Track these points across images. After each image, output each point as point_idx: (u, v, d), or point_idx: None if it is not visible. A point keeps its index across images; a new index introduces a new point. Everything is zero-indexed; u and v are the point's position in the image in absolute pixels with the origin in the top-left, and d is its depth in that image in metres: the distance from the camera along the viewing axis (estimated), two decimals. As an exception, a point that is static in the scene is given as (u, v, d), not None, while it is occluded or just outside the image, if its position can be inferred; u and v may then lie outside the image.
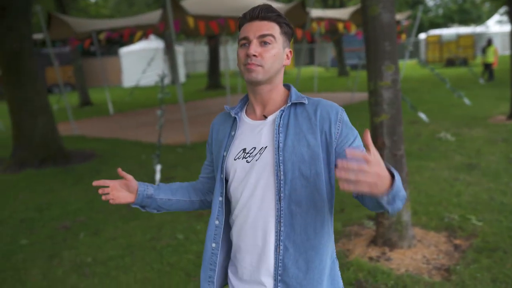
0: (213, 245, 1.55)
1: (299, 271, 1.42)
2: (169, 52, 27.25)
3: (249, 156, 1.46)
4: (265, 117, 1.49)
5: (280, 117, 1.45)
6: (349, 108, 10.37)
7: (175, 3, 8.15)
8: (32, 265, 3.94)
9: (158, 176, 6.10)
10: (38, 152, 7.51)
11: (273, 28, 1.46)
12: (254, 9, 1.48)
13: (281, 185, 1.40)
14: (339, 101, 12.32)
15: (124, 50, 28.98)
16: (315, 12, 12.19)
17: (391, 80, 3.44)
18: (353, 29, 11.96)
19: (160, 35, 27.27)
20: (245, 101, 1.60)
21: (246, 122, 1.53)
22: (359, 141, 1.45)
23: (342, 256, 3.62)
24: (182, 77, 29.18)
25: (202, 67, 39.31)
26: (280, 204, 1.41)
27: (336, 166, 1.41)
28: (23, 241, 4.52)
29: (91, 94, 20.63)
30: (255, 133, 1.48)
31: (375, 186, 1.10)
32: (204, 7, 9.55)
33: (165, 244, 4.22)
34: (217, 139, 1.59)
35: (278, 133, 1.43)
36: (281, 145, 1.41)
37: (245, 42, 1.45)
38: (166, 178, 6.32)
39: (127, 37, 8.72)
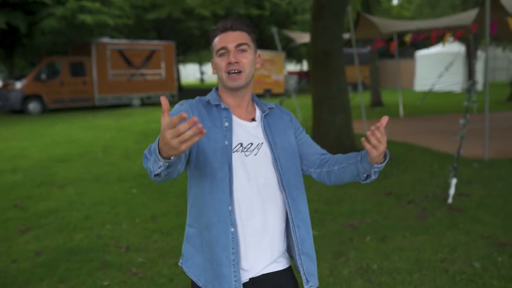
0: (232, 229, 1.60)
1: (310, 241, 1.74)
2: (470, 57, 25.41)
3: (247, 151, 1.64)
4: (253, 120, 1.71)
5: (263, 120, 1.71)
6: None
7: (495, 2, 7.30)
8: (320, 259, 4.02)
9: (452, 190, 5.57)
10: (333, 147, 7.80)
11: (246, 37, 1.65)
12: (226, 21, 1.65)
13: (282, 175, 1.67)
14: None
15: (420, 53, 28.31)
16: None
17: None
18: None
19: (461, 38, 25.61)
20: (216, 95, 1.72)
21: (234, 120, 1.67)
22: (304, 130, 1.85)
23: None
24: (480, 86, 26.79)
25: (501, 76, 35.54)
26: (285, 192, 1.67)
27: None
28: (315, 232, 4.68)
29: (382, 95, 20.76)
30: (246, 131, 1.67)
31: (381, 154, 1.50)
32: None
33: (458, 269, 3.76)
34: (205, 127, 1.60)
35: (267, 134, 1.69)
36: (272, 142, 1.68)
37: (223, 52, 1.63)
38: (459, 194, 5.74)
39: (434, 38, 8.29)
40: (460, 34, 8.13)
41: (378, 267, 3.82)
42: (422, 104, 19.10)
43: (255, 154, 1.64)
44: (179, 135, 1.22)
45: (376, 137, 1.46)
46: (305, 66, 45.16)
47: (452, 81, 26.20)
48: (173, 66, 21.43)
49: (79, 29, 17.61)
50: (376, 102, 18.42)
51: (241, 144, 1.63)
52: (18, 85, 17.47)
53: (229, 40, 1.61)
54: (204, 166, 1.60)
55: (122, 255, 4.10)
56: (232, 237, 1.59)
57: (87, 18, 16.22)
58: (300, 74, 32.17)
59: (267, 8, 24.05)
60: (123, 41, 20.24)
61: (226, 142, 1.60)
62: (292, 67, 39.11)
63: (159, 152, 1.32)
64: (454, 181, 5.62)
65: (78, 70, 18.72)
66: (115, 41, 19.84)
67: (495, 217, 4.97)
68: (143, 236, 4.55)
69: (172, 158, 1.33)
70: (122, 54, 19.79)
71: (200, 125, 1.23)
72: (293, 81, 28.23)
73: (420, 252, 4.11)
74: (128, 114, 16.97)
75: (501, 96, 21.74)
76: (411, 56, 31.19)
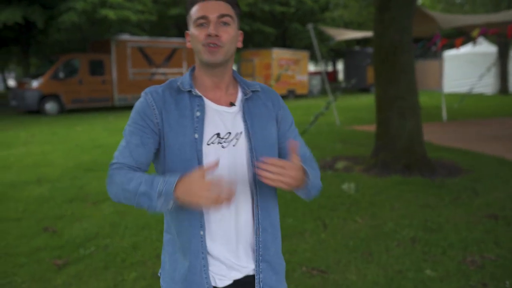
0: (201, 232, 1.47)
1: (276, 248, 1.57)
2: (503, 57, 24.28)
3: (224, 142, 1.47)
4: (232, 104, 1.51)
5: (244, 105, 1.52)
6: None
7: None
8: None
9: None
10: (402, 156, 6.80)
11: (229, 9, 1.46)
12: None
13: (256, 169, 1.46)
14: None
15: (449, 54, 27.11)
16: None
17: None
18: None
19: (493, 38, 24.41)
20: (190, 78, 1.53)
21: (210, 106, 1.49)
22: (294, 126, 1.64)
23: None
24: (512, 87, 25.54)
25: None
26: (256, 188, 1.50)
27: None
28: (428, 271, 3.68)
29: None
30: (224, 118, 1.49)
31: (289, 185, 1.36)
32: None
33: None
34: (170, 119, 1.46)
35: (246, 120, 1.50)
36: (251, 131, 1.49)
37: (203, 22, 1.44)
38: None
39: (511, 34, 7.23)
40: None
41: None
42: (459, 107, 17.98)
43: (234, 145, 1.48)
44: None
45: (271, 171, 1.34)
46: (323, 66, 44.08)
47: (484, 83, 25.00)
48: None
49: (99, 25, 16.64)
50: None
51: (218, 135, 1.47)
52: (35, 84, 16.58)
53: (210, 9, 1.44)
54: (173, 164, 1.46)
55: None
56: (202, 241, 1.47)
57: (110, 14, 15.26)
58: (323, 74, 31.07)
59: (292, 5, 23.00)
60: (144, 38, 19.24)
61: (196, 135, 1.45)
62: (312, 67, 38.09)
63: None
64: None
65: (97, 69, 17.79)
66: (136, 38, 18.85)
67: None
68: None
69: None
70: (143, 52, 18.82)
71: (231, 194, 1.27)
72: (316, 82, 27.24)
73: None
74: (151, 116, 16.01)
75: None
76: (436, 56, 30.07)
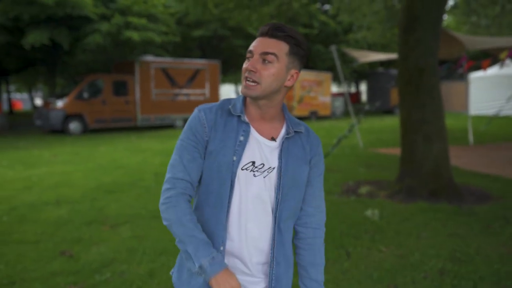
0: (221, 248, 1.54)
1: (288, 280, 1.64)
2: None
3: (257, 171, 1.54)
4: (273, 139, 1.57)
5: (284, 142, 1.58)
6: None
7: None
8: None
9: None
10: (429, 181, 6.58)
11: (279, 47, 1.50)
12: (266, 26, 1.51)
13: (278, 205, 1.56)
14: None
15: (475, 76, 26.66)
16: None
17: None
18: None
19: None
20: (242, 103, 1.58)
21: (253, 135, 1.55)
22: (322, 176, 1.69)
23: None
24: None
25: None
26: (275, 223, 1.57)
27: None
28: (459, 307, 3.46)
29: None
30: (262, 150, 1.55)
31: None
32: None
33: None
34: (216, 138, 1.54)
35: (281, 158, 1.56)
36: (283, 169, 1.55)
37: (249, 56, 1.51)
38: None
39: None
40: None
41: None
42: (487, 130, 17.57)
43: (264, 177, 1.55)
44: None
45: None
46: (346, 87, 43.93)
47: (510, 106, 24.43)
48: (217, 86, 20.50)
49: (123, 47, 16.87)
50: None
51: (253, 163, 1.54)
52: (60, 103, 16.83)
53: (258, 46, 1.50)
54: (208, 180, 1.54)
55: None
56: (221, 256, 1.51)
57: (134, 35, 15.46)
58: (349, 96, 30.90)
59: (316, 27, 23.00)
60: (168, 59, 19.43)
61: (234, 158, 1.52)
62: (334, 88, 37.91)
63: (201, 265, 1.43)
64: None
65: (120, 89, 17.99)
66: (160, 59, 19.07)
67: None
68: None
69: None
70: (166, 73, 18.98)
71: None
72: (339, 103, 27.08)
73: None
74: (173, 136, 16.05)
75: None
76: (461, 78, 29.63)
